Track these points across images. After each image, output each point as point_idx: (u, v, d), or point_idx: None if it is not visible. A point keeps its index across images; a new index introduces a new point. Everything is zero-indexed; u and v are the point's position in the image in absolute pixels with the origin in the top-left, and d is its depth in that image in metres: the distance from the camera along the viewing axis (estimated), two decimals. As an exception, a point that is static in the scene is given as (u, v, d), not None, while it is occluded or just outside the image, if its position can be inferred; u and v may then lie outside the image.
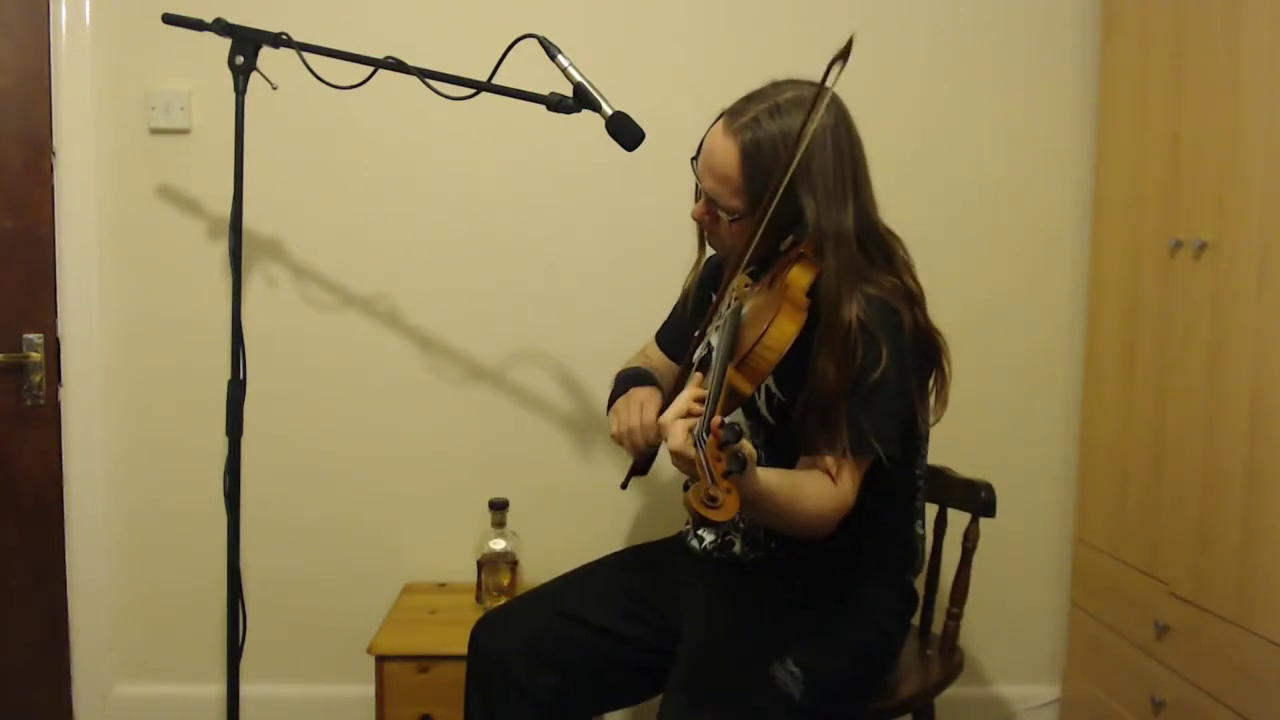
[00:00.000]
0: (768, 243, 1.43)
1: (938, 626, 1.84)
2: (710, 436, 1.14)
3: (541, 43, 1.71)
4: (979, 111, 2.25)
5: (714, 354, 1.30)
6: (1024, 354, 2.29)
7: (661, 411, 1.29)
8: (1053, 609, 2.35)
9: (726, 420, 1.16)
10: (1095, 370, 2.22)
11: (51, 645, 2.24)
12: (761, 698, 1.40)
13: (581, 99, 1.68)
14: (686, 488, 1.15)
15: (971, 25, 2.23)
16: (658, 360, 1.82)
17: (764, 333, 1.30)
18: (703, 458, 1.13)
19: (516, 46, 1.69)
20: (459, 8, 2.19)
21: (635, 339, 1.90)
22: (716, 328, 1.45)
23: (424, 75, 1.72)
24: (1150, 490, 1.98)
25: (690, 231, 1.64)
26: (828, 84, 1.29)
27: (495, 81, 1.71)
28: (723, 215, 1.49)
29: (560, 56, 1.70)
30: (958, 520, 1.82)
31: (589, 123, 1.70)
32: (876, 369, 1.38)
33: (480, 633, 1.64)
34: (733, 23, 2.21)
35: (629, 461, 1.64)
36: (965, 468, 1.87)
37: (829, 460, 1.39)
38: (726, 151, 1.45)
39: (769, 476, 1.27)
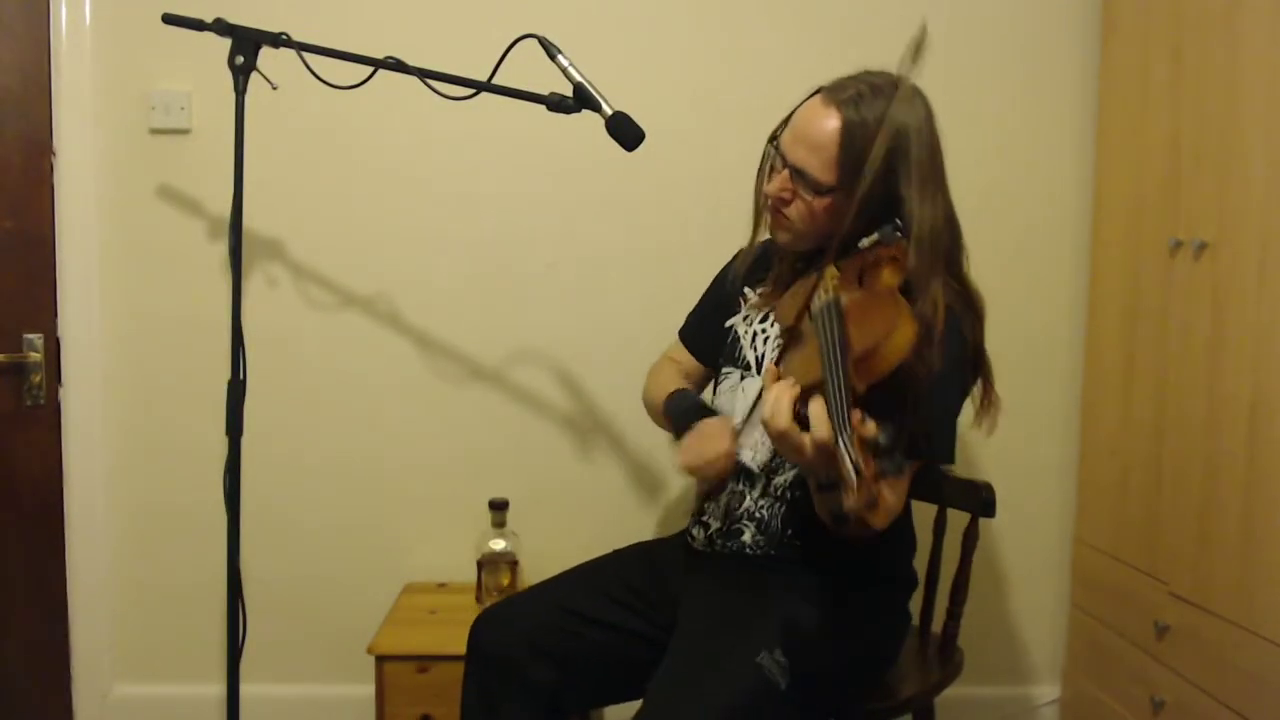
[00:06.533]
0: (855, 230, 1.41)
1: (938, 626, 1.84)
2: (856, 435, 1.05)
3: (541, 43, 1.71)
4: (979, 112, 2.25)
5: (824, 348, 1.19)
6: (1024, 354, 2.29)
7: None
8: (1053, 609, 2.35)
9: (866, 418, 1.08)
10: (1095, 370, 2.22)
11: (51, 645, 2.23)
12: (746, 684, 1.39)
13: (581, 99, 1.68)
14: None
15: (971, 26, 2.23)
16: (687, 364, 1.80)
17: (889, 337, 1.22)
18: (851, 456, 1.04)
19: (516, 46, 1.70)
20: (459, 8, 2.19)
21: (635, 338, 1.90)
22: (776, 327, 1.40)
23: (424, 75, 1.72)
24: (1150, 490, 1.98)
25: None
26: (907, 73, 1.30)
27: (495, 81, 1.71)
28: (804, 194, 1.48)
29: (560, 56, 1.70)
30: (958, 520, 1.82)
31: (589, 123, 1.70)
32: (936, 376, 1.35)
33: (481, 625, 1.65)
34: (731, 23, 2.20)
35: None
36: (965, 468, 1.86)
37: None
38: (828, 121, 1.44)
39: None
